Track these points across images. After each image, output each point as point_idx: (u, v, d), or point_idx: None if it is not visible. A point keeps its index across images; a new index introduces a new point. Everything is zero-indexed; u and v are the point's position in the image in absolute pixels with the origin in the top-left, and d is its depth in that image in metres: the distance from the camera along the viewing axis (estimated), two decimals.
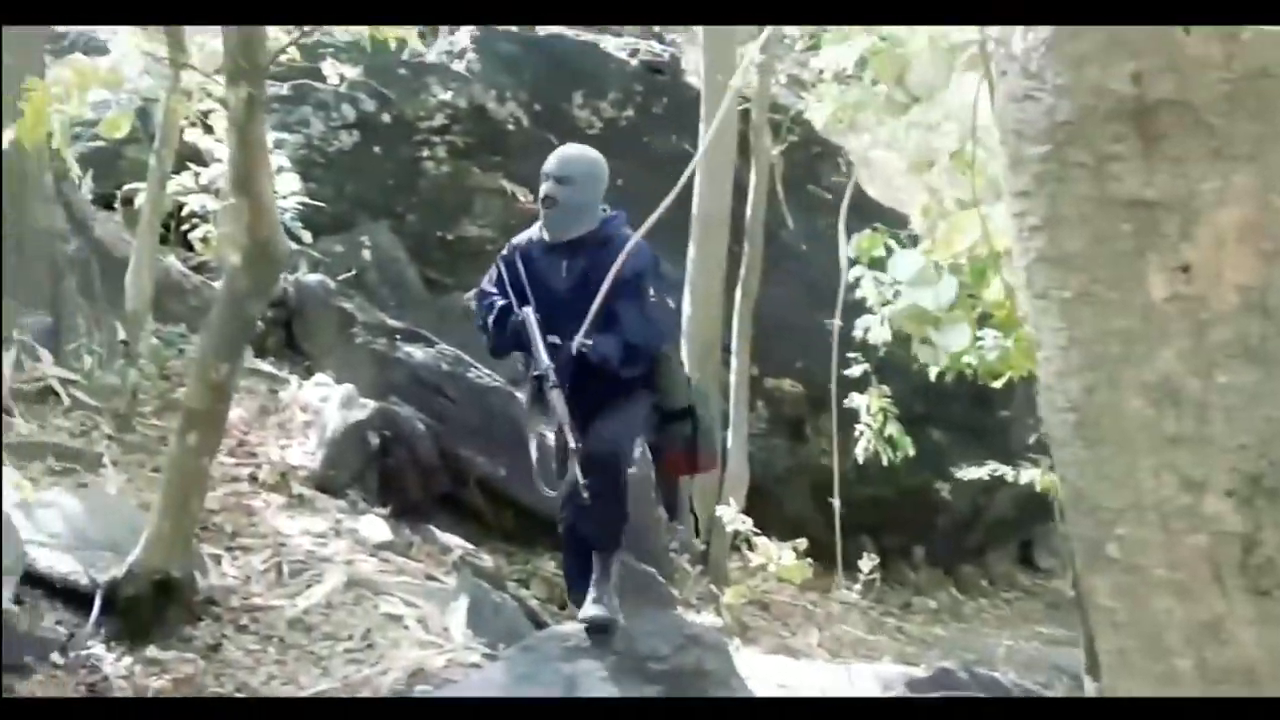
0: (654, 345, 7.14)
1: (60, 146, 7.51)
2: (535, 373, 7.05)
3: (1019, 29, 2.61)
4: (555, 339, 6.92)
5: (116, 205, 11.45)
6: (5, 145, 7.45)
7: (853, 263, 6.79)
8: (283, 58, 7.28)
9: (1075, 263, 2.59)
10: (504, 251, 7.39)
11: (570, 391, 6.96)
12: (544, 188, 7.12)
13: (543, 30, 16.07)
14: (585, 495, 6.69)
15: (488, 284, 7.33)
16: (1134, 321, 2.54)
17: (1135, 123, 2.49)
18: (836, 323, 6.25)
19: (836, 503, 6.14)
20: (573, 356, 6.84)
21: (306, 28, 6.16)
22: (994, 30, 2.75)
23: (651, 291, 7.00)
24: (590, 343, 6.75)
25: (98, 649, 6.84)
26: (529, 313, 7.00)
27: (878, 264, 6.63)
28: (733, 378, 13.53)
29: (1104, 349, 2.59)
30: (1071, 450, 2.70)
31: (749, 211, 13.71)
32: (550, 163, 7.16)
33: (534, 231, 7.34)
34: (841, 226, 7.44)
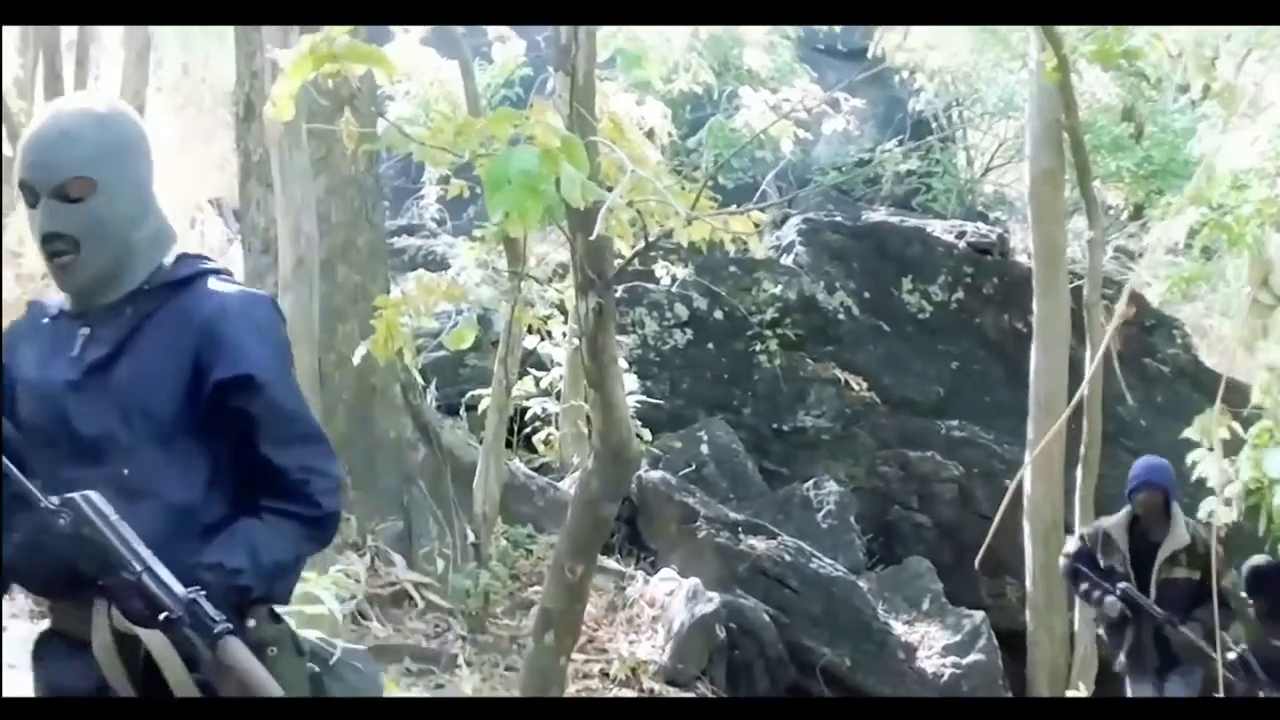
0: (325, 528, 3.44)
1: (408, 358, 7.83)
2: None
3: None
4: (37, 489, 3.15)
5: (461, 412, 11.80)
6: (357, 360, 7.81)
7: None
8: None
9: None
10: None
11: None
12: (38, 219, 3.39)
13: (868, 217, 16.22)
14: None
15: None
16: None
17: None
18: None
19: None
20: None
21: (650, 239, 6.27)
22: None
23: (290, 401, 3.42)
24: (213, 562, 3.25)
25: None
26: None
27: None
28: None
29: None
30: None
31: (1085, 388, 13.53)
32: (28, 158, 3.40)
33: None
34: None
